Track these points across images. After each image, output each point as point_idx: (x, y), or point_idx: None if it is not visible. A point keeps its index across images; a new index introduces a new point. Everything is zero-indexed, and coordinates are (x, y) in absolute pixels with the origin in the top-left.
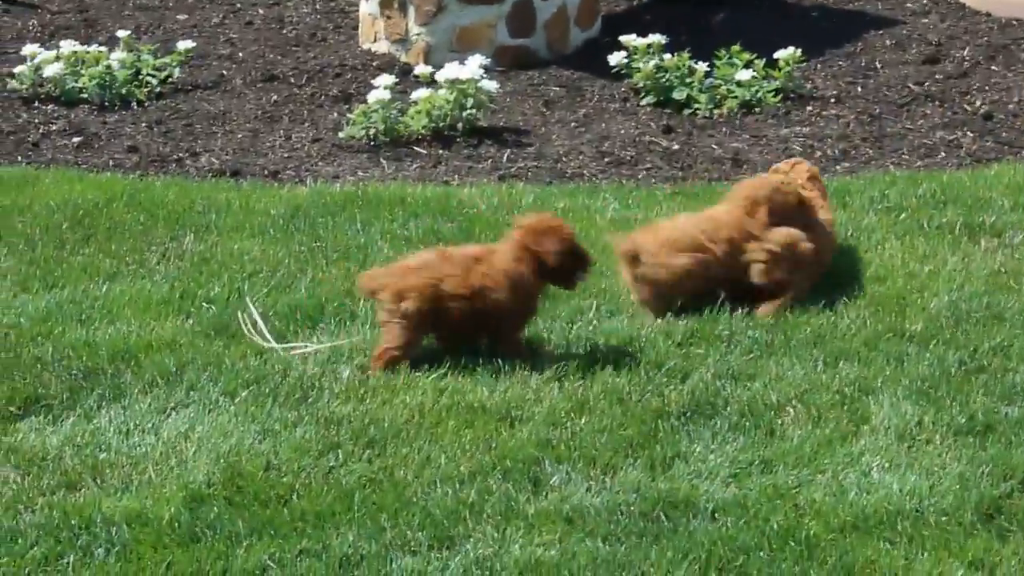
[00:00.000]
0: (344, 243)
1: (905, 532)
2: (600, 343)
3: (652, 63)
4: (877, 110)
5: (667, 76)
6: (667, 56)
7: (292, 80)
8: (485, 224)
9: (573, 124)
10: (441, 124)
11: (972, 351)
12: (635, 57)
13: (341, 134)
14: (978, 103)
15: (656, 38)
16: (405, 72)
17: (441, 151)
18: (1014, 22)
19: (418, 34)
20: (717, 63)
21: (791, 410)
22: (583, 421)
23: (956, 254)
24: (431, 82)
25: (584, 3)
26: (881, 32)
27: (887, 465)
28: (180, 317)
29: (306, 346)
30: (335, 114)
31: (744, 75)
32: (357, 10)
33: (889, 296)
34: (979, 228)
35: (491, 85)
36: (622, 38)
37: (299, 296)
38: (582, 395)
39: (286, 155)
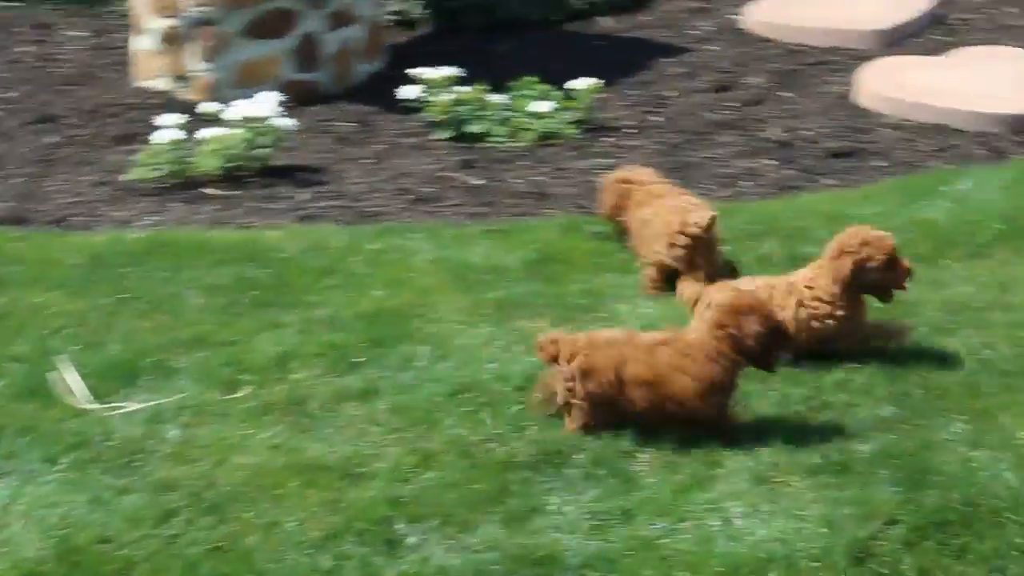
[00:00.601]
0: (152, 294)
1: None
2: (436, 391)
3: (448, 96)
4: (676, 140)
5: (463, 109)
6: (462, 88)
7: (69, 121)
8: (296, 269)
9: (368, 161)
10: (233, 164)
11: (815, 387)
12: (430, 90)
13: (127, 176)
14: (774, 130)
15: (451, 71)
16: (189, 109)
17: (235, 192)
18: (798, 49)
19: (201, 70)
20: (512, 94)
21: (644, 456)
22: (430, 476)
23: None
24: (218, 120)
25: (370, 36)
26: (671, 60)
27: (749, 510)
28: None
29: (126, 406)
30: (119, 155)
31: (543, 106)
32: (127, 47)
33: None
34: (802, 260)
35: (286, 122)
36: (414, 71)
37: (113, 352)
38: (425, 448)
39: (71, 200)
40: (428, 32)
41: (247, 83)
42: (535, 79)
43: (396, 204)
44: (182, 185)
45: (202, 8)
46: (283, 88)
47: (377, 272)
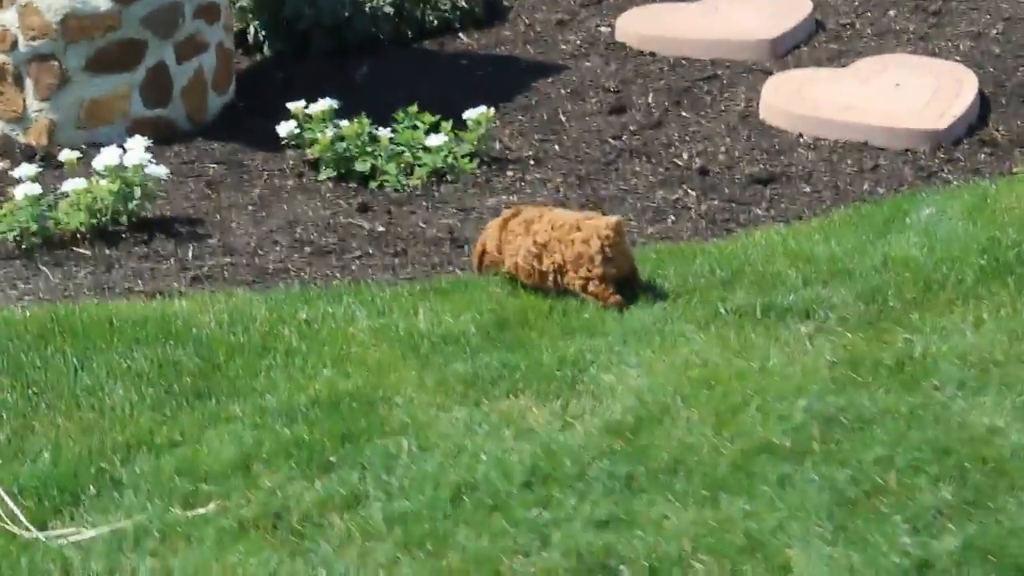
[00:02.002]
0: (66, 387)
1: None
2: (434, 494)
3: (329, 132)
4: (583, 170)
5: (345, 146)
6: (343, 123)
7: None
8: (225, 348)
9: (251, 208)
10: (103, 219)
11: (858, 466)
12: (307, 126)
13: None
14: (686, 156)
15: (328, 103)
16: (29, 156)
17: (109, 251)
18: (683, 62)
19: (39, 110)
20: (397, 127)
21: (698, 564)
22: None
23: (776, 344)
24: (79, 169)
25: (220, 65)
26: (551, 80)
27: None
28: None
29: (80, 532)
30: None
31: (435, 140)
32: None
33: (735, 405)
34: (784, 310)
35: (159, 170)
36: (293, 105)
37: (42, 464)
38: (448, 567)
39: None
40: (270, 57)
41: (92, 123)
42: (415, 109)
43: (296, 258)
44: (44, 245)
45: (37, 42)
46: (133, 126)
47: (316, 347)
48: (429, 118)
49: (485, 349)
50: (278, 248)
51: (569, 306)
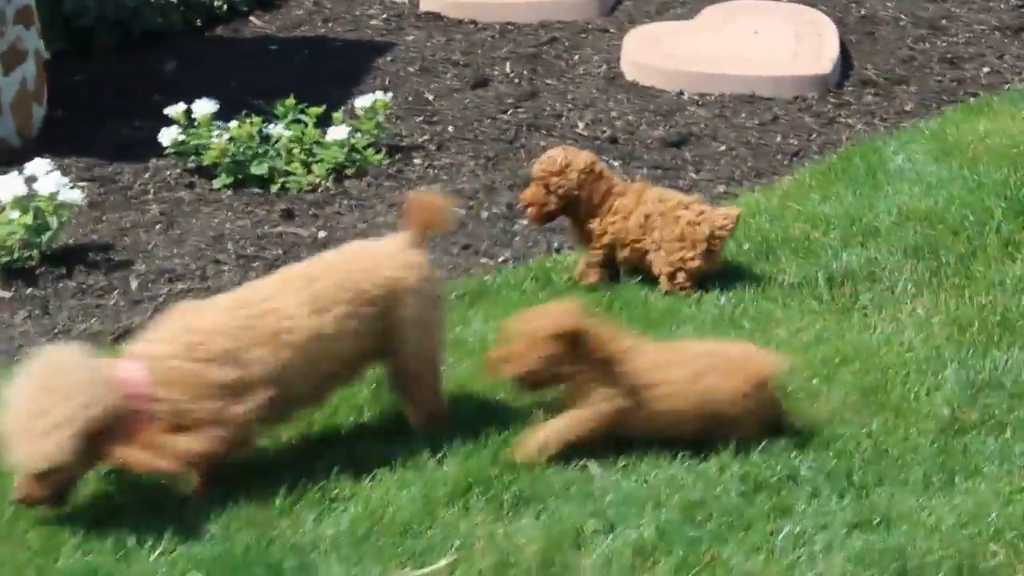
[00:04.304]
0: None
1: None
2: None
3: (224, 136)
4: (489, 150)
5: (238, 148)
6: (232, 124)
7: None
8: None
9: (158, 227)
10: (14, 256)
11: None
12: (193, 131)
13: None
14: (582, 124)
15: (209, 105)
16: None
17: (30, 290)
18: (510, 27)
19: None
20: (277, 120)
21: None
22: None
23: (871, 313)
24: None
25: (39, 76)
26: (389, 59)
27: None
28: None
29: None
30: None
31: (338, 133)
32: None
33: (877, 382)
34: (846, 276)
35: (75, 195)
36: (171, 110)
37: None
38: None
39: None
40: (50, 58)
41: None
42: (293, 102)
43: (252, 276)
44: None
45: None
46: None
47: None
48: (315, 111)
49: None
50: (225, 267)
51: (629, 298)
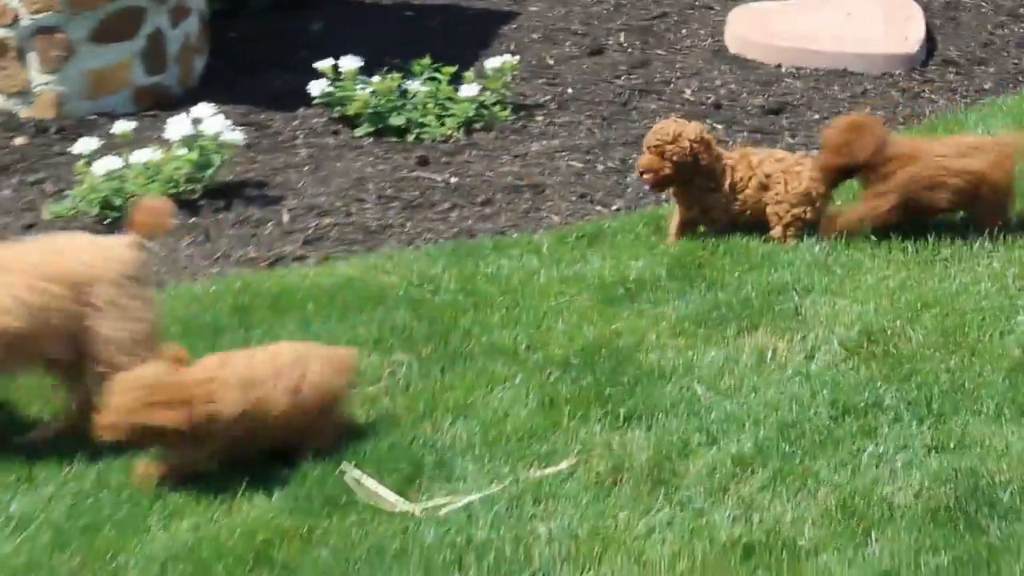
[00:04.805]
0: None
1: None
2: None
3: (367, 89)
4: (604, 111)
5: (379, 101)
6: (374, 79)
7: None
8: (455, 309)
9: (306, 168)
10: (179, 188)
11: None
12: (339, 83)
13: (55, 211)
14: (688, 91)
15: (354, 60)
16: (42, 130)
17: (194, 219)
18: (623, 1)
19: (45, 83)
20: (414, 77)
21: None
22: None
23: (951, 264)
24: (138, 141)
25: (200, 31)
26: (514, 27)
27: None
28: None
29: (452, 501)
30: (7, 190)
31: (470, 90)
32: None
33: (955, 325)
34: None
35: (236, 137)
36: (320, 64)
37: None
38: None
39: None
40: (211, 15)
41: (98, 93)
42: (429, 60)
43: (391, 215)
44: (123, 219)
45: (41, 15)
46: (135, 95)
47: (523, 300)
48: (448, 70)
49: (686, 291)
50: (368, 206)
51: (732, 244)
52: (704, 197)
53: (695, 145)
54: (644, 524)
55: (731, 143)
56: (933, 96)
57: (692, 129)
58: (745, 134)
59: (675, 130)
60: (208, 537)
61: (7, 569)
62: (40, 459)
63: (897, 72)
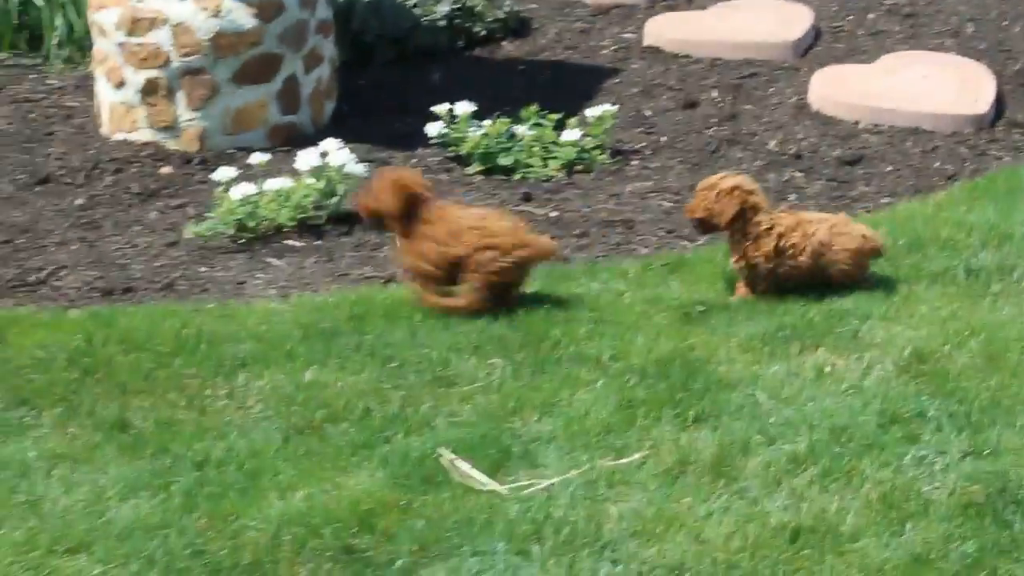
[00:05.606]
0: (428, 363)
1: None
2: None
3: (479, 132)
4: (694, 158)
5: (489, 142)
6: (486, 123)
7: (65, 180)
8: (547, 322)
9: None
10: (307, 214)
11: None
12: (454, 125)
13: (195, 232)
14: (772, 143)
15: (468, 105)
16: (187, 161)
17: (319, 242)
18: (717, 62)
19: (190, 119)
20: (527, 125)
21: None
22: None
23: (1001, 299)
24: (271, 172)
25: (331, 75)
26: (616, 81)
27: None
28: None
29: (536, 482)
30: (155, 212)
31: (572, 135)
32: (63, 101)
33: (998, 350)
34: (981, 269)
35: (359, 169)
36: (438, 108)
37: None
38: None
39: (154, 264)
40: (340, 64)
41: (238, 129)
42: (536, 108)
43: None
44: (260, 239)
45: (190, 58)
46: (270, 132)
47: (610, 317)
48: (553, 117)
49: (755, 313)
50: None
51: None
52: (744, 249)
53: (724, 196)
54: (704, 508)
55: (808, 188)
56: (999, 153)
57: (727, 181)
58: (823, 182)
59: (715, 180)
60: (318, 505)
61: (144, 526)
62: (175, 437)
63: (967, 131)
